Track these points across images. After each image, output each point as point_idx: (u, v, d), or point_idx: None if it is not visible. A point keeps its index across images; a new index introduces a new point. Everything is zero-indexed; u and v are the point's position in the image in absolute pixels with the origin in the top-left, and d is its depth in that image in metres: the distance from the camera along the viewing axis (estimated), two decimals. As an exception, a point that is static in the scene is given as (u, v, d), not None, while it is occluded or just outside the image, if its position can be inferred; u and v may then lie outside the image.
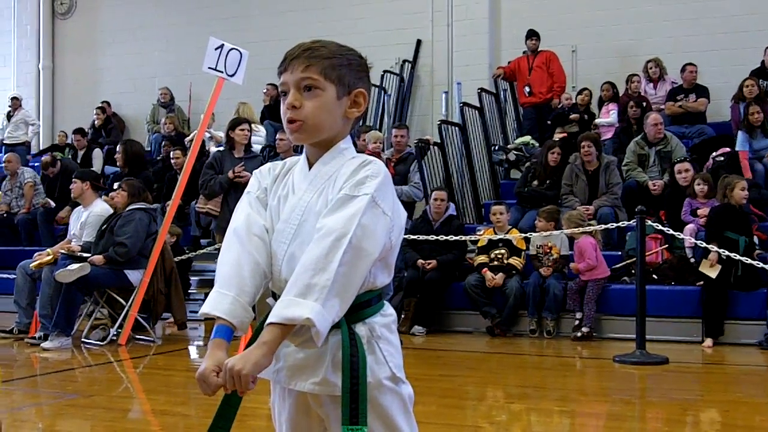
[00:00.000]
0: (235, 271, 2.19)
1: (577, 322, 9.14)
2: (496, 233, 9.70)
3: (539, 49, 13.51)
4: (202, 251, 10.80)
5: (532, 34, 13.55)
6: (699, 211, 9.35)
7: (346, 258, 2.03)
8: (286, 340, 2.10)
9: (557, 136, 12.73)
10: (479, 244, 9.80)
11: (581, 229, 9.15)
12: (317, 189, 2.22)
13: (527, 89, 13.47)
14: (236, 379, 2.01)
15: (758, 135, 10.77)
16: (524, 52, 13.65)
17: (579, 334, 9.00)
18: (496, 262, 9.55)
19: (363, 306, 2.17)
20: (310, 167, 2.28)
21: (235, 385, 2.03)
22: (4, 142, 16.24)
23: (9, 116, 16.56)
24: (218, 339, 2.14)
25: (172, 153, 12.45)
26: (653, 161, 10.73)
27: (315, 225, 2.13)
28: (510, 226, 9.87)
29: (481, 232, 10.03)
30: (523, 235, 9.64)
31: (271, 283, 2.27)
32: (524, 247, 9.64)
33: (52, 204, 13.23)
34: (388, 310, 2.28)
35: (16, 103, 16.58)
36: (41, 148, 17.63)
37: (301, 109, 2.20)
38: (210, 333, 2.20)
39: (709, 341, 8.47)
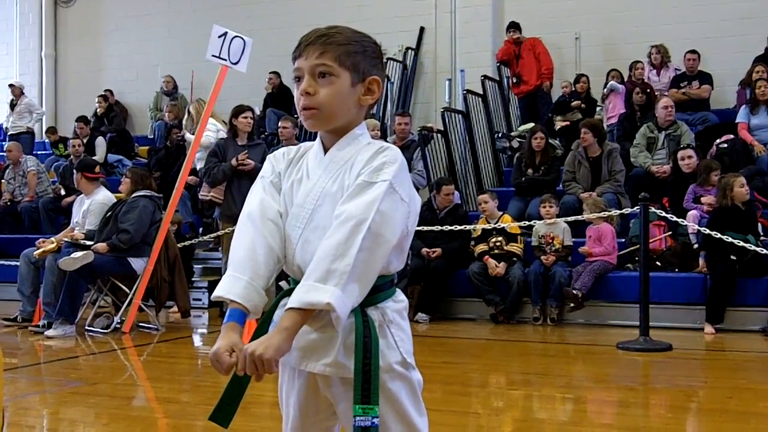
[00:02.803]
0: (250, 255, 2.19)
1: (572, 305, 9.12)
2: (488, 222, 9.69)
3: (523, 38, 13.51)
4: (203, 238, 10.84)
5: (513, 26, 13.55)
6: (702, 199, 9.33)
7: (365, 244, 2.03)
8: None
9: (559, 125, 12.73)
10: (474, 235, 9.78)
11: (606, 213, 9.13)
12: (332, 174, 2.22)
13: (514, 79, 13.48)
14: (258, 363, 2.01)
15: (760, 111, 10.80)
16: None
17: (574, 291, 8.96)
18: (496, 250, 9.54)
19: (376, 290, 2.17)
20: (325, 152, 2.28)
21: (257, 369, 2.02)
22: (9, 132, 16.24)
23: (12, 105, 16.53)
24: (231, 322, 2.14)
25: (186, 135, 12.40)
26: (662, 144, 10.71)
27: (330, 210, 2.14)
28: (500, 213, 9.83)
29: (478, 222, 10.01)
30: (518, 223, 9.61)
31: (285, 267, 2.27)
32: (518, 232, 9.62)
33: (62, 192, 13.25)
34: (400, 296, 2.29)
35: (16, 90, 16.55)
36: (44, 138, 17.64)
37: (315, 96, 2.20)
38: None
39: (709, 328, 8.47)
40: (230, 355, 2.07)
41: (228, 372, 2.09)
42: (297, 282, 2.16)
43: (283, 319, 2.06)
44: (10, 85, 16.70)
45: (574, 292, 8.95)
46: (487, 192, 10.13)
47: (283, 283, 2.24)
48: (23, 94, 16.63)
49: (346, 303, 2.02)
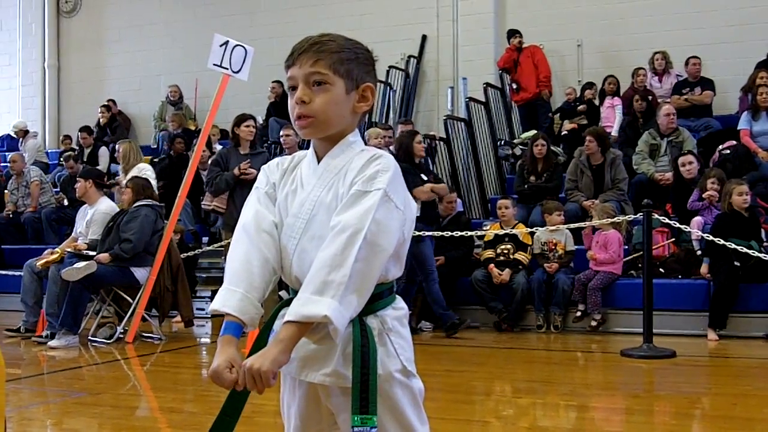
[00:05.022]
0: (244, 267, 2.20)
1: (579, 313, 9.15)
2: (502, 228, 9.68)
3: (524, 45, 13.56)
4: (207, 248, 10.83)
5: (514, 32, 13.58)
6: (705, 194, 9.29)
7: (361, 254, 2.03)
8: None
9: (568, 127, 12.74)
10: (485, 239, 9.78)
11: (610, 220, 9.06)
12: (327, 183, 2.22)
13: (514, 86, 13.50)
14: (256, 377, 2.02)
15: (762, 117, 10.80)
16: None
17: (593, 323, 9.04)
18: (502, 257, 9.53)
19: (375, 298, 2.17)
20: (318, 161, 2.28)
21: (255, 384, 2.03)
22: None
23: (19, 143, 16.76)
24: (228, 336, 2.15)
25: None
26: (664, 151, 10.72)
27: (325, 219, 2.14)
28: (516, 221, 9.84)
29: (488, 227, 10.00)
30: (529, 230, 9.61)
31: (282, 277, 2.28)
32: (530, 242, 9.62)
33: (65, 201, 13.27)
34: (400, 303, 2.28)
35: (20, 133, 16.72)
36: (47, 148, 17.67)
37: (310, 104, 2.20)
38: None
39: (712, 334, 8.45)
40: (230, 370, 2.08)
41: (231, 388, 2.10)
42: (296, 292, 2.17)
43: (280, 331, 2.07)
44: (17, 130, 16.85)
45: (593, 323, 9.07)
46: (508, 198, 10.09)
47: (282, 293, 2.24)
48: (28, 133, 16.75)
49: (344, 314, 2.02)
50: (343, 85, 2.22)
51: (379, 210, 2.08)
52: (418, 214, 8.57)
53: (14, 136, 17.02)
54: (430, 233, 8.95)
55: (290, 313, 2.04)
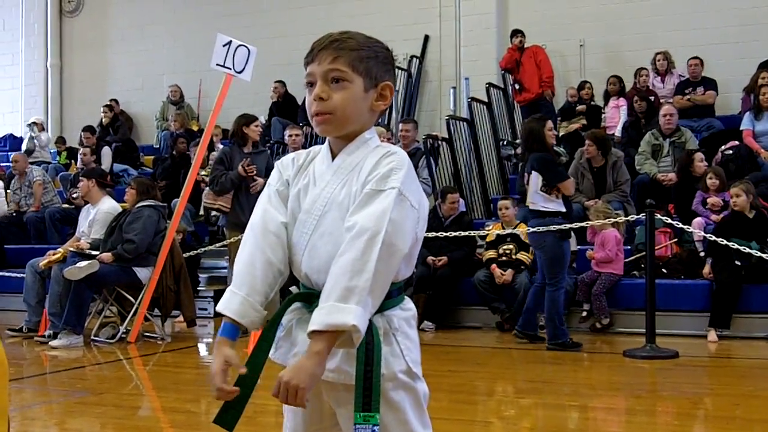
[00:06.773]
0: (248, 270, 2.20)
1: (584, 313, 9.14)
2: (504, 228, 9.67)
3: (525, 45, 13.55)
4: (210, 247, 10.82)
5: (516, 32, 13.57)
6: (709, 200, 9.31)
7: (380, 256, 2.03)
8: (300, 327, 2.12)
9: (564, 131, 12.71)
10: (487, 240, 9.77)
11: (611, 220, 9.02)
12: (341, 180, 2.21)
13: (517, 86, 13.50)
14: (291, 393, 2.02)
15: (764, 117, 10.82)
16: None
17: (599, 325, 9.04)
18: (504, 257, 9.52)
19: (384, 297, 2.15)
20: (333, 158, 2.27)
21: (288, 399, 2.03)
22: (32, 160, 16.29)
23: (32, 138, 16.73)
24: (222, 338, 2.17)
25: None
26: (667, 152, 10.71)
27: (337, 216, 2.15)
28: (518, 221, 9.83)
29: (490, 228, 10.00)
30: (531, 230, 9.58)
31: (293, 272, 2.27)
32: (533, 243, 9.60)
33: (74, 195, 13.26)
34: (408, 304, 2.28)
35: (38, 127, 16.70)
36: (50, 147, 17.69)
37: (328, 101, 2.19)
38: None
39: (713, 334, 8.43)
40: (225, 371, 2.09)
41: (220, 398, 2.11)
42: (306, 287, 2.18)
43: (311, 344, 2.04)
44: (34, 123, 16.83)
45: (598, 325, 9.07)
46: (509, 198, 10.06)
47: (293, 288, 2.24)
48: (43, 130, 16.76)
49: (366, 319, 2.02)
50: (361, 83, 2.21)
51: (395, 210, 2.07)
52: (563, 210, 8.16)
53: (33, 131, 16.93)
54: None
55: (316, 322, 2.02)
